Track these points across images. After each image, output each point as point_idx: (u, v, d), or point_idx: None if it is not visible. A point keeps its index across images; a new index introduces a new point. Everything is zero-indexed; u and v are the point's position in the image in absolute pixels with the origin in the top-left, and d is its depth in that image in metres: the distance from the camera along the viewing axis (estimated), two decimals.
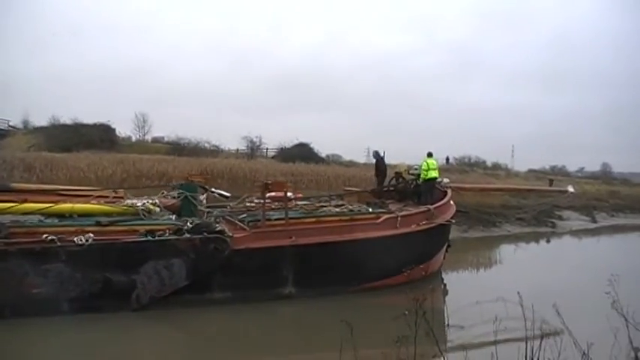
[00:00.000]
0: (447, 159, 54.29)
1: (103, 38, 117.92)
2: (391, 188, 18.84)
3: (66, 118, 52.29)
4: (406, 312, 4.95)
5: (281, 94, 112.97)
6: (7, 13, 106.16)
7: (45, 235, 10.66)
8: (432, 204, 15.64)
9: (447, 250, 16.69)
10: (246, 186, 24.92)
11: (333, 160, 51.94)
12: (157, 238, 11.43)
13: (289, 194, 13.90)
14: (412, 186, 18.29)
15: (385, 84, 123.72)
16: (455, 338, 10.05)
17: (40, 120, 57.05)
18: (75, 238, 10.72)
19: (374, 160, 21.36)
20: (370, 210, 15.14)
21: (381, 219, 13.93)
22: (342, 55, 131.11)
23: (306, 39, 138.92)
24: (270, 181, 14.30)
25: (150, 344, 10.16)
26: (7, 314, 10.09)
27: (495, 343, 6.76)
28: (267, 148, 54.60)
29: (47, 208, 11.88)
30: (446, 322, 10.66)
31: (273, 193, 13.90)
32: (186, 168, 31.63)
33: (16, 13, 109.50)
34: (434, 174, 17.56)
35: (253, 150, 52.50)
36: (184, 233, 11.64)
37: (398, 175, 19.35)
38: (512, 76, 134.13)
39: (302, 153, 47.30)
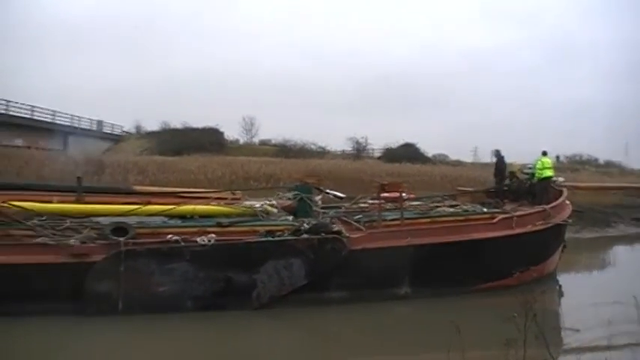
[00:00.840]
0: (558, 157, 52.78)
1: (208, 43, 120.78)
2: (505, 188, 18.50)
3: (176, 123, 54.06)
4: (515, 314, 4.87)
5: (386, 94, 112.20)
6: (115, 23, 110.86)
7: (170, 236, 11.06)
8: (547, 204, 15.23)
9: (562, 251, 16.25)
10: (353, 187, 24.97)
11: (440, 160, 51.62)
12: (276, 238, 11.65)
13: (403, 195, 13.85)
14: (527, 185, 17.92)
15: (489, 81, 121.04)
16: (570, 341, 9.74)
17: (152, 125, 59.19)
18: (198, 239, 11.06)
19: (482, 160, 21.08)
20: (485, 210, 14.91)
21: (496, 219, 13.67)
22: (447, 52, 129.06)
23: (410, 38, 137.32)
24: (386, 182, 14.31)
25: (271, 342, 10.38)
26: (135, 311, 10.44)
27: (609, 348, 6.55)
28: (372, 149, 54.83)
29: (170, 209, 12.37)
30: (560, 325, 10.39)
31: (386, 194, 13.90)
32: (293, 170, 32.04)
33: (122, 23, 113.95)
34: (549, 173, 17.16)
35: (359, 151, 52.82)
36: (302, 234, 11.79)
37: (511, 174, 19.00)
38: (620, 70, 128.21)
39: (408, 153, 47.32)
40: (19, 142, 43.57)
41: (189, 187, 17.69)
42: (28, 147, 39.40)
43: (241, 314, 11.03)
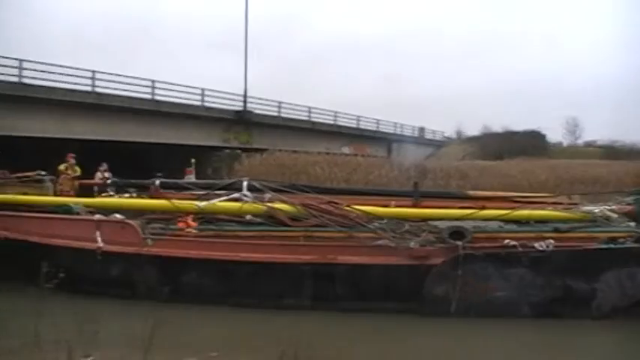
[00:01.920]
0: None
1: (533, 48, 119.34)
2: None
3: (497, 127, 53.86)
4: None
5: None
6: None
7: (507, 241, 10.97)
8: None
9: None
10: None
11: None
12: (619, 246, 10.99)
13: None
14: None
15: None
16: None
17: (473, 130, 59.73)
18: (536, 244, 10.79)
19: None
20: None
21: None
22: None
23: None
24: None
25: (613, 356, 10.01)
26: (468, 313, 10.57)
27: None
28: None
29: (505, 214, 12.26)
30: None
31: None
32: (622, 172, 30.34)
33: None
34: None
35: None
36: None
37: None
38: None
39: None
40: (346, 149, 46.48)
41: (511, 192, 17.43)
42: (355, 154, 41.75)
43: (578, 324, 10.58)
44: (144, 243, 11.50)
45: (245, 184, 12.88)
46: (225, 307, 11.01)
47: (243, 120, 40.44)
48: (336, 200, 12.58)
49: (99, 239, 11.61)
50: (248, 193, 12.66)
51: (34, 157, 21.54)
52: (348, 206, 12.22)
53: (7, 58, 28.19)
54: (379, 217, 12.01)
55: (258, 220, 12.41)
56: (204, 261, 11.16)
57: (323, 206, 12.16)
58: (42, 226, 12.41)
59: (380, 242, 11.06)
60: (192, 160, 23.05)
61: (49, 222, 12.56)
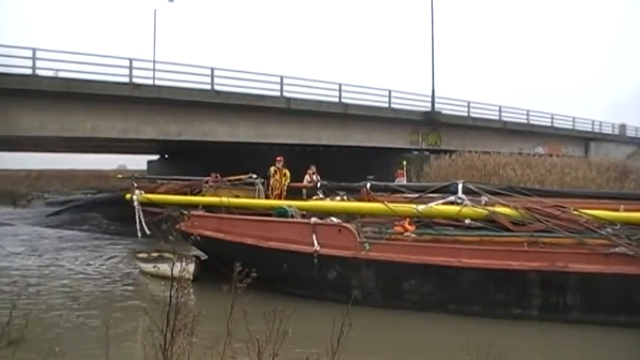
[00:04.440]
0: None
1: None
2: None
3: None
4: None
5: None
6: None
7: None
8: None
9: None
10: None
11: None
12: None
13: None
14: None
15: None
16: None
17: None
18: None
19: None
20: None
21: None
22: None
23: None
24: None
25: None
26: None
27: None
28: None
29: None
30: None
31: None
32: None
33: None
34: None
35: None
36: None
37: None
38: None
39: None
40: (540, 149, 44.73)
41: None
42: (549, 154, 40.04)
43: None
44: (361, 247, 11.32)
45: (460, 186, 12.37)
46: (416, 313, 10.75)
47: (431, 121, 39.72)
48: (561, 204, 11.78)
49: (315, 242, 11.57)
50: (463, 196, 12.15)
51: (222, 160, 22.33)
52: (576, 210, 11.36)
53: (201, 67, 29.27)
54: (612, 223, 11.03)
55: (478, 224, 11.84)
56: (424, 266, 10.78)
57: (548, 210, 11.39)
58: (255, 228, 12.62)
59: (616, 250, 10.13)
60: (404, 162, 22.73)
61: (263, 224, 12.74)
